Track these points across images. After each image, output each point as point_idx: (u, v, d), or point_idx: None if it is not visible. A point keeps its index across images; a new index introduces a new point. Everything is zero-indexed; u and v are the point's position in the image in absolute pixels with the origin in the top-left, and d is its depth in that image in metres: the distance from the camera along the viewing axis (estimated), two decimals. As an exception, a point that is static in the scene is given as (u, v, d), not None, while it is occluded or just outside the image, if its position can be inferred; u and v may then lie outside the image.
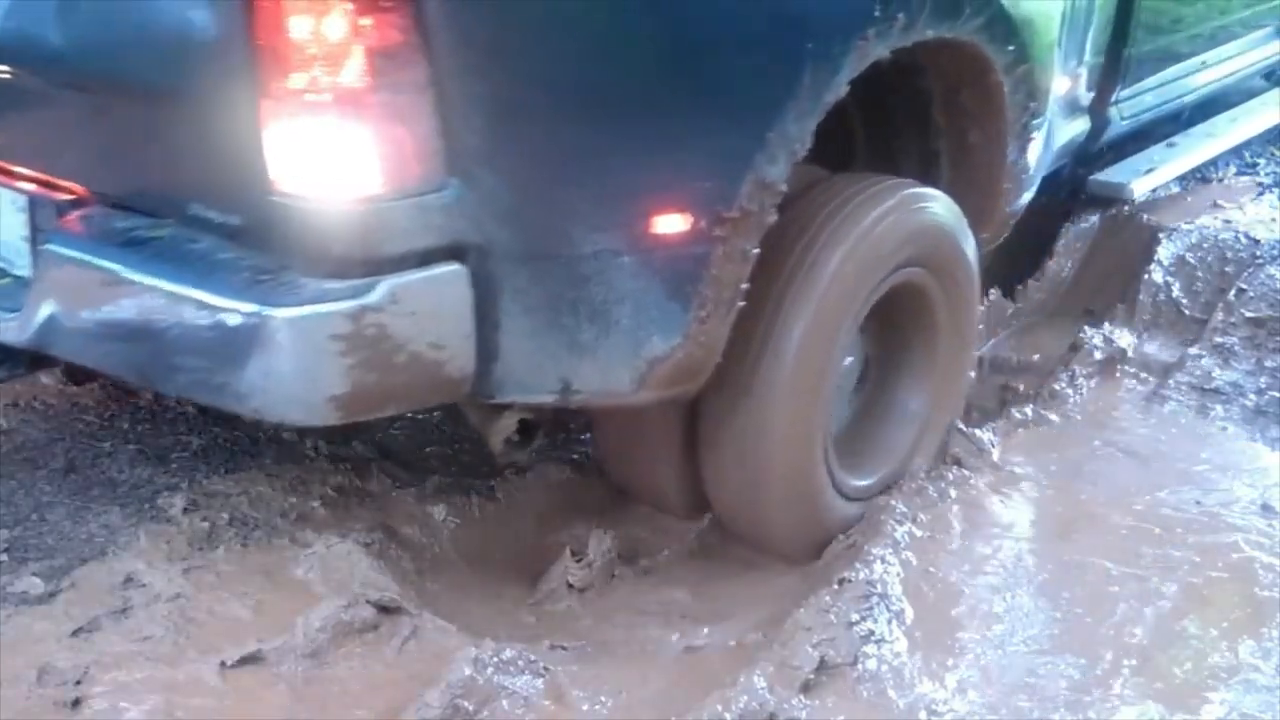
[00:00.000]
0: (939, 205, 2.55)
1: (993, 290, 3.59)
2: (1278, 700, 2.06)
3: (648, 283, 2.03)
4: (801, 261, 2.28)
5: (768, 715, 1.92)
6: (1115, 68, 3.36)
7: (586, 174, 1.96)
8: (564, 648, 2.25)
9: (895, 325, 2.64)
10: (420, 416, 3.05)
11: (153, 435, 2.81)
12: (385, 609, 2.21)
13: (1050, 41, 2.78)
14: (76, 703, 1.98)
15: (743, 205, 2.04)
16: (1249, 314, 3.44)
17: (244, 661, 2.07)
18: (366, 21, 1.71)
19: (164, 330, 1.95)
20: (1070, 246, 3.89)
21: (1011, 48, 2.55)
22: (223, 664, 2.06)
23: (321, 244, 1.84)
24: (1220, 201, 4.14)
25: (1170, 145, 4.04)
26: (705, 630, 2.31)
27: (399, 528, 2.52)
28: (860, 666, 2.05)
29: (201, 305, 1.89)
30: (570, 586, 2.44)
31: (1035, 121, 2.77)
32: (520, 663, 2.07)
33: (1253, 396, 3.13)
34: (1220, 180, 4.44)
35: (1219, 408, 3.08)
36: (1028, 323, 3.70)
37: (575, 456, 2.87)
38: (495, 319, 1.96)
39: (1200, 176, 4.42)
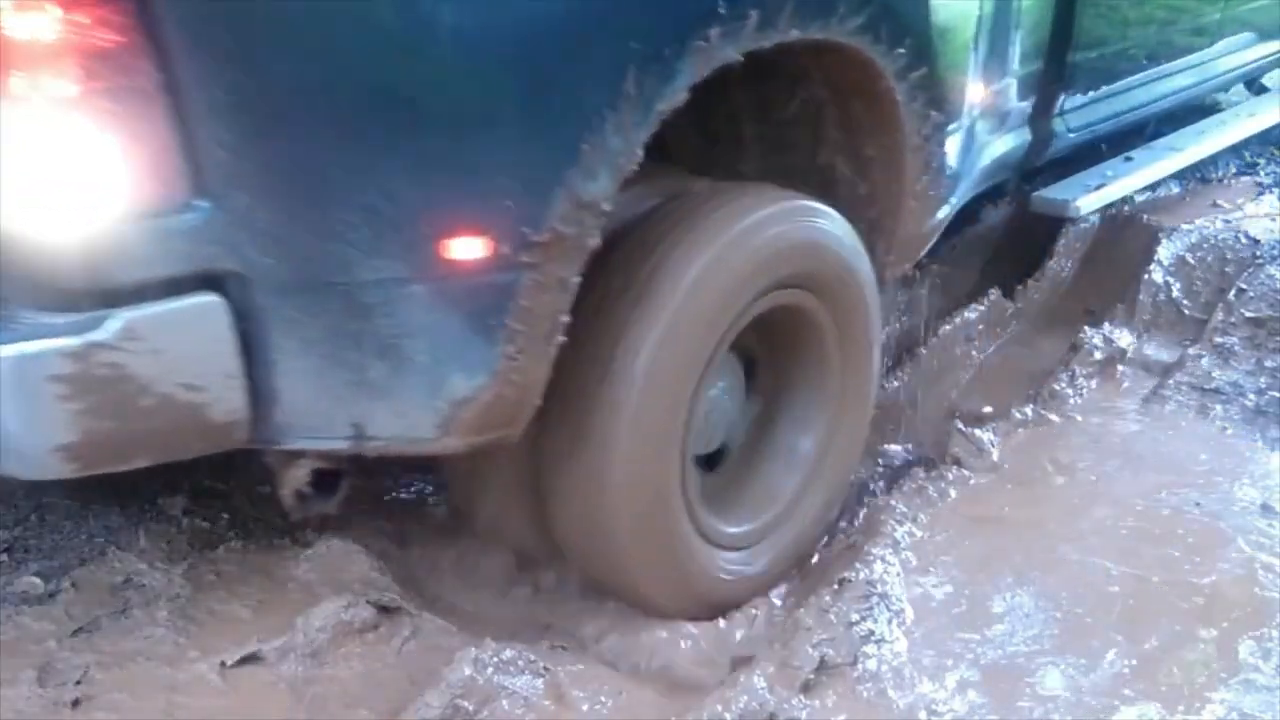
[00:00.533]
0: (824, 220, 2.26)
1: (993, 290, 3.59)
2: (1278, 700, 2.06)
3: (443, 315, 1.78)
4: (648, 282, 2.01)
5: (768, 715, 1.93)
6: (1058, 75, 3.04)
7: (359, 190, 1.68)
8: (564, 648, 2.25)
9: (780, 356, 2.40)
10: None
11: (153, 435, 2.81)
12: (385, 609, 2.21)
13: (961, 44, 2.51)
14: (76, 703, 1.98)
15: (555, 228, 1.77)
16: (1249, 314, 3.44)
17: (244, 661, 2.07)
18: (80, 18, 1.49)
19: None
20: (1070, 246, 3.89)
21: (903, 51, 2.27)
22: (223, 664, 2.06)
23: (41, 273, 1.61)
24: (1220, 201, 4.14)
25: (1127, 159, 3.75)
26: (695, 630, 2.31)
27: (399, 528, 2.52)
28: (860, 666, 2.05)
29: None
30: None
31: (941, 135, 2.49)
32: (520, 663, 2.07)
33: (1253, 396, 3.13)
34: (1220, 180, 4.44)
35: (1219, 408, 3.08)
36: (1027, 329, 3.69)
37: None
38: (268, 356, 1.73)
39: (1200, 176, 4.42)
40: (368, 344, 1.77)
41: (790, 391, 2.43)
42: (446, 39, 1.69)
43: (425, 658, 2.13)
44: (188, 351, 1.68)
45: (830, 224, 2.28)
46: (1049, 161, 3.34)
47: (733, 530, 2.33)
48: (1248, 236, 3.77)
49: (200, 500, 2.54)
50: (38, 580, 2.26)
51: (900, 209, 2.50)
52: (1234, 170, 4.53)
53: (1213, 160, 4.48)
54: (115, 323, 1.61)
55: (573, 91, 1.78)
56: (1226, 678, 2.11)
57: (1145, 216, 3.91)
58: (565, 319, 1.86)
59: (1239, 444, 2.93)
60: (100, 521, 2.46)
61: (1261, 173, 4.52)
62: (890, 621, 2.15)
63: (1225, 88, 4.46)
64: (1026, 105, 2.99)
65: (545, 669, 2.08)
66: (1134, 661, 2.15)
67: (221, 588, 2.27)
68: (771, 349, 2.38)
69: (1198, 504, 2.65)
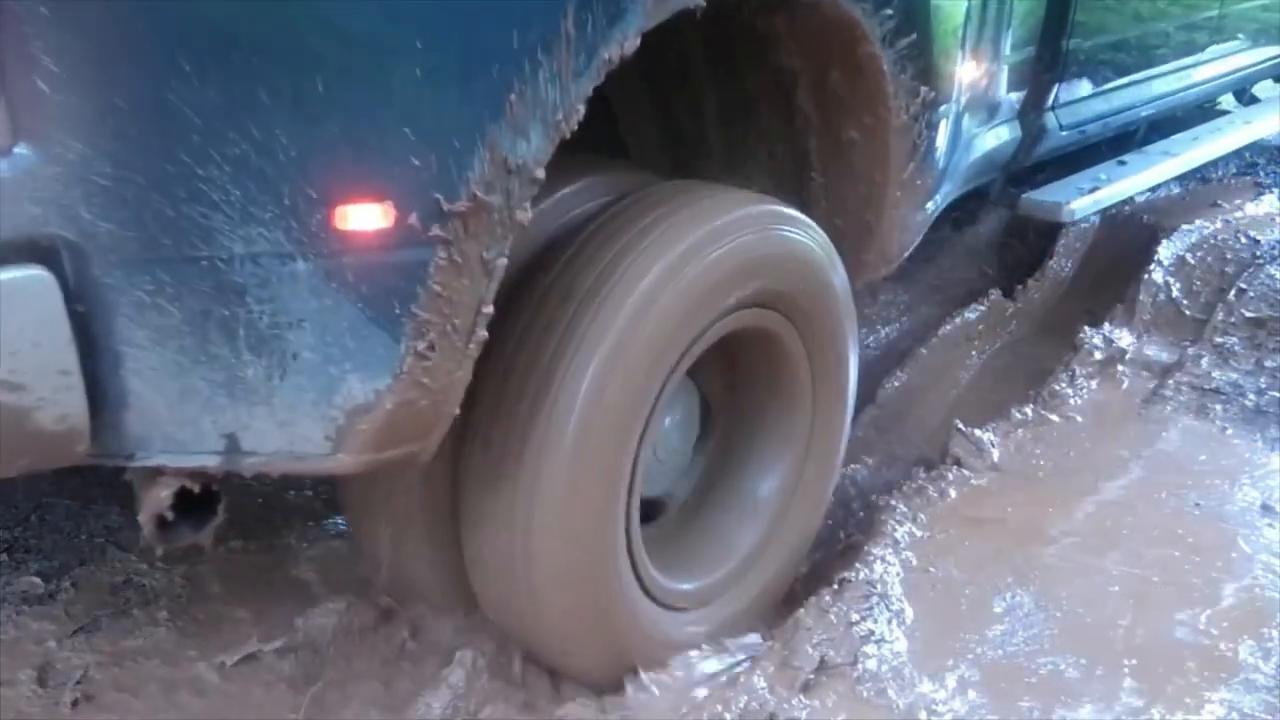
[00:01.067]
0: (797, 228, 1.99)
1: (993, 291, 3.59)
2: (1278, 700, 2.06)
3: (336, 300, 1.42)
4: (596, 289, 1.73)
5: (768, 715, 1.92)
6: (1051, 64, 2.77)
7: (227, 138, 1.32)
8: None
9: (739, 386, 2.13)
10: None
11: (153, 435, 2.81)
12: (385, 609, 2.21)
13: (953, 12, 2.25)
14: (76, 703, 1.98)
15: (475, 194, 1.44)
16: (1249, 314, 3.44)
17: (244, 661, 2.07)
18: None
19: None
20: (1070, 247, 3.89)
21: (890, 12, 1.98)
22: (223, 664, 2.06)
23: None
24: (1220, 201, 4.14)
25: (1121, 163, 3.56)
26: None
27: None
28: (860, 666, 2.05)
29: None
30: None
31: (932, 115, 2.19)
32: (521, 663, 2.07)
33: (1253, 396, 3.13)
34: (1220, 180, 4.44)
35: (1219, 408, 3.08)
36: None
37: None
38: (114, 348, 1.38)
39: (1200, 176, 4.42)
40: (241, 335, 1.42)
41: (751, 427, 2.15)
42: None
43: (425, 658, 2.13)
44: (4, 339, 1.30)
45: (804, 233, 2.00)
46: (1036, 162, 3.16)
47: (679, 587, 2.03)
48: (1248, 236, 3.77)
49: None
50: (38, 580, 2.26)
51: (883, 200, 2.22)
52: (1234, 170, 4.53)
53: (1212, 161, 4.48)
54: None
55: (497, 26, 1.43)
56: (1226, 678, 2.11)
57: (1145, 216, 3.92)
58: (488, 310, 1.53)
59: (1239, 444, 2.93)
60: (100, 521, 2.46)
61: (1261, 173, 4.52)
62: (890, 621, 2.15)
63: (1221, 93, 4.34)
64: (1017, 97, 2.74)
65: (545, 669, 2.08)
66: (1134, 661, 2.14)
67: (221, 588, 2.27)
68: (729, 378, 2.11)
69: (1198, 504, 2.65)
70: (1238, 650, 2.17)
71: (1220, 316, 3.45)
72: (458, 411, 1.59)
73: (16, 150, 1.26)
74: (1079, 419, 3.01)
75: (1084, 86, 3.03)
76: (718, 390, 2.12)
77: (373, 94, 1.37)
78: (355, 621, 2.16)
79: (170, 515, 1.55)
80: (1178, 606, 2.30)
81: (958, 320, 3.43)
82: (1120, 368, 3.27)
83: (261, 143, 1.33)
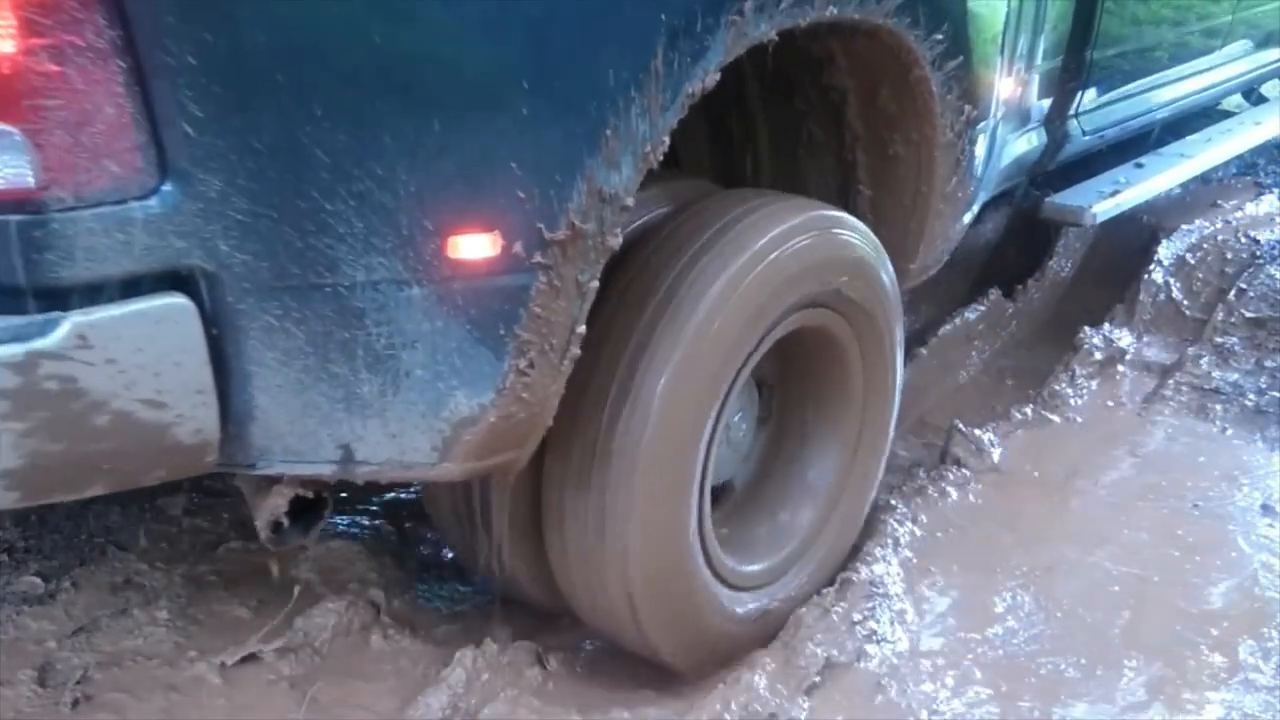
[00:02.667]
0: (851, 232, 2.10)
1: (993, 291, 3.59)
2: (1278, 700, 2.06)
3: (446, 322, 1.56)
4: (670, 297, 1.84)
5: (769, 715, 1.92)
6: (1076, 73, 2.89)
7: (352, 176, 1.46)
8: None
9: (796, 379, 2.23)
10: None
11: (153, 435, 2.80)
12: (385, 609, 2.21)
13: (993, 34, 2.37)
14: (76, 703, 1.98)
15: (573, 223, 1.58)
16: (1249, 314, 3.44)
17: (244, 661, 2.07)
18: None
19: None
20: (1070, 247, 3.89)
21: (940, 37, 2.12)
22: (223, 664, 2.06)
23: None
24: (1220, 201, 4.14)
25: (1138, 166, 3.60)
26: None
27: (399, 527, 2.52)
28: (862, 665, 2.05)
29: None
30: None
31: (973, 131, 2.33)
32: (520, 662, 2.07)
33: (1253, 396, 3.13)
34: (1220, 180, 4.44)
35: (1219, 408, 3.08)
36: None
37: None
38: (243, 368, 1.51)
39: (1200, 177, 4.42)
40: (359, 355, 1.55)
41: (807, 417, 2.27)
42: (455, 4, 1.49)
43: (425, 658, 2.13)
44: (149, 362, 1.43)
45: (857, 235, 2.12)
46: (1058, 166, 3.21)
47: (746, 569, 2.14)
48: (1248, 236, 3.78)
49: (200, 500, 2.54)
50: (38, 580, 2.26)
51: (928, 212, 2.35)
52: (1234, 170, 4.53)
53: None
54: (64, 328, 1.37)
55: (595, 69, 1.57)
56: (1226, 678, 2.11)
57: (1145, 216, 3.91)
58: (581, 330, 1.67)
59: (1239, 444, 2.93)
60: (100, 521, 2.46)
61: (1261, 173, 4.52)
62: (892, 621, 2.16)
63: (1231, 94, 4.38)
64: (1044, 105, 2.87)
65: (546, 668, 2.08)
66: (1134, 661, 2.15)
67: (221, 588, 2.27)
68: (786, 372, 2.22)
69: (1198, 504, 2.65)
70: (1238, 650, 2.17)
71: (1220, 316, 3.46)
72: (550, 423, 1.72)
73: (164, 188, 1.38)
74: (1079, 419, 3.01)
75: (1105, 93, 3.13)
76: (771, 380, 2.24)
77: (483, 134, 1.51)
78: (355, 621, 2.17)
79: (285, 520, 1.72)
80: (1178, 606, 2.30)
81: (958, 320, 3.43)
82: (1120, 368, 3.27)
83: (383, 179, 1.46)
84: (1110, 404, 3.11)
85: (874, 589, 2.19)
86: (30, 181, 1.33)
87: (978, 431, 2.81)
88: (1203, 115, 4.14)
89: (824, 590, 2.20)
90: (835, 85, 2.23)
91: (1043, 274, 3.80)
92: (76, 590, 2.24)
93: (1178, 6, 3.43)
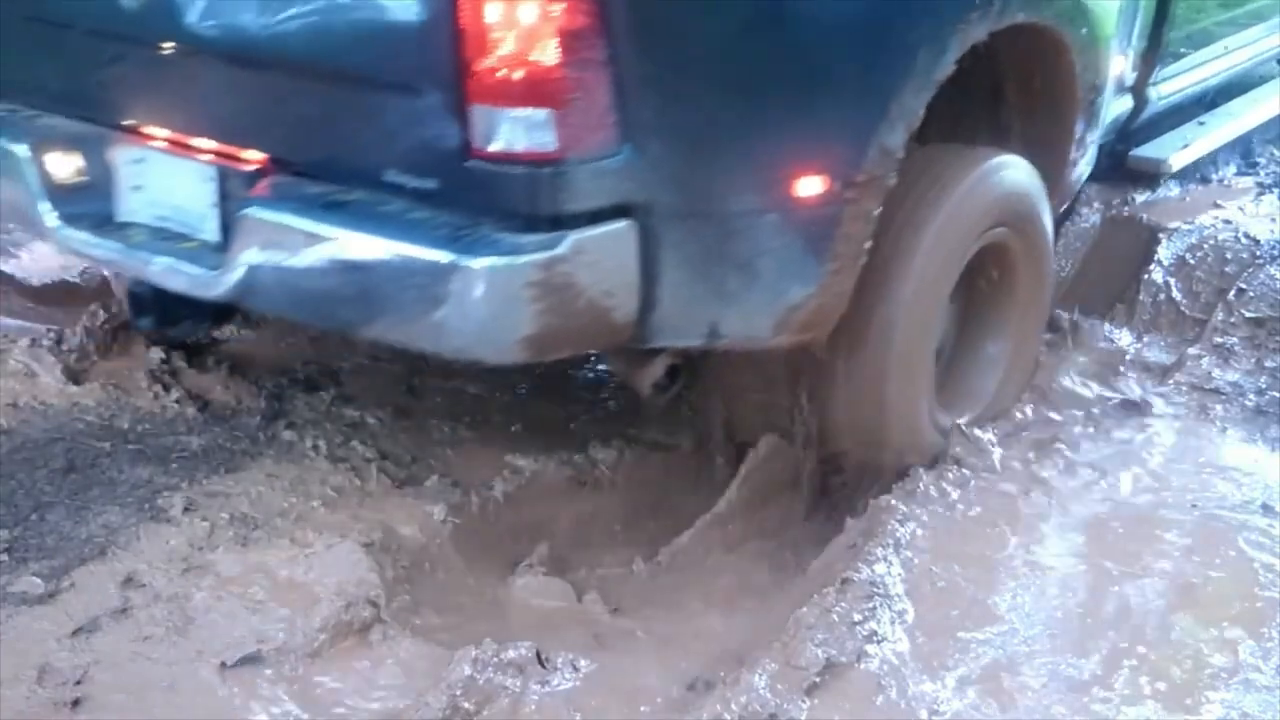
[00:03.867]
0: (1021, 171, 2.82)
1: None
2: (1278, 700, 2.06)
3: (788, 238, 2.30)
4: (910, 221, 2.54)
5: (769, 715, 1.92)
6: (1155, 49, 3.52)
7: (738, 142, 2.22)
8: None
9: (981, 280, 2.88)
10: (420, 419, 3.06)
11: (153, 435, 2.81)
12: (385, 609, 2.21)
13: (1112, 24, 3.06)
14: (76, 703, 1.98)
15: (869, 170, 2.32)
16: (1249, 314, 3.44)
17: (244, 661, 2.07)
18: (556, 8, 1.97)
19: (368, 280, 2.19)
20: (1070, 246, 3.89)
21: (1084, 30, 2.83)
22: (223, 664, 2.06)
23: (515, 203, 2.09)
24: (1220, 201, 4.14)
25: (1200, 124, 4.19)
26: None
27: (399, 528, 2.52)
28: (862, 665, 2.05)
29: (407, 256, 2.13)
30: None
31: (1099, 96, 3.04)
32: (520, 662, 2.07)
33: (1253, 396, 3.13)
34: (1220, 180, 4.44)
35: (1219, 408, 3.08)
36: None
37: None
38: (655, 271, 2.19)
39: (1200, 176, 4.43)
40: (730, 262, 2.27)
41: (987, 307, 2.96)
42: (808, 30, 2.26)
43: (425, 658, 2.13)
44: (610, 266, 2.14)
45: (1025, 173, 2.83)
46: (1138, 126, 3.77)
47: (954, 422, 2.82)
48: (1248, 236, 3.77)
49: (200, 500, 2.54)
50: (38, 580, 2.26)
51: (1065, 161, 3.05)
52: (1234, 170, 4.53)
53: (1213, 160, 4.49)
54: (569, 241, 2.08)
55: (886, 66, 2.34)
56: (1226, 678, 2.11)
57: (1145, 216, 3.91)
58: (869, 245, 2.38)
59: (1239, 444, 2.93)
60: (100, 521, 2.45)
61: (1261, 173, 4.52)
62: (892, 621, 2.15)
63: (1271, 59, 4.76)
64: (1133, 76, 3.48)
65: (546, 668, 2.08)
66: (1134, 661, 2.14)
67: (221, 588, 2.27)
68: (973, 274, 2.83)
69: (1197, 504, 2.64)
70: (1238, 650, 2.17)
71: (1220, 316, 3.45)
72: (845, 309, 2.43)
73: (623, 150, 2.09)
74: (1079, 419, 3.01)
75: (1175, 65, 3.73)
76: (961, 282, 2.84)
77: (822, 112, 2.32)
78: (355, 621, 2.17)
79: (663, 381, 2.57)
80: (1178, 606, 2.29)
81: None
82: (1120, 368, 3.27)
83: (759, 143, 2.24)
84: (1110, 404, 3.11)
85: (874, 589, 2.19)
86: (553, 146, 2.03)
87: (978, 431, 2.81)
88: (1242, 82, 4.49)
89: (824, 590, 2.20)
90: (999, 66, 2.83)
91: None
92: (76, 590, 2.24)
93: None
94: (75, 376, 2.99)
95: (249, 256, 2.31)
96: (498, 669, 2.03)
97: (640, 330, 2.23)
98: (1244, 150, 4.65)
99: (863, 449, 2.68)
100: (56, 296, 3.45)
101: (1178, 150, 3.90)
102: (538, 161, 2.04)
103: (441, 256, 2.09)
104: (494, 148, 2.04)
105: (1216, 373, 3.23)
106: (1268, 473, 2.79)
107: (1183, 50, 3.74)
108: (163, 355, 3.09)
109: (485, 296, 2.08)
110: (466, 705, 1.97)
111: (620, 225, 2.13)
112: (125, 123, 2.57)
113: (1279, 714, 2.04)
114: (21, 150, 2.60)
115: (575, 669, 2.14)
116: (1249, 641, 2.20)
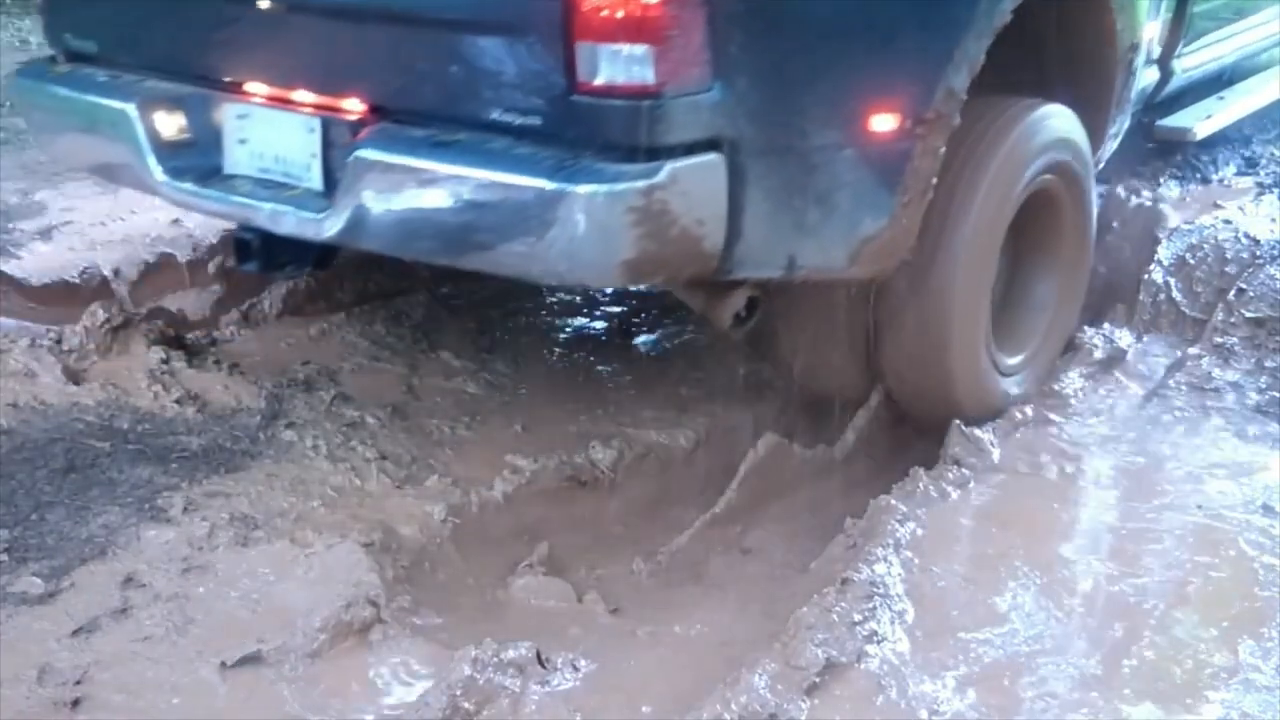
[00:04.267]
0: (1067, 121, 3.02)
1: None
2: (1278, 700, 2.06)
3: (864, 172, 2.47)
4: (970, 161, 2.73)
5: (769, 715, 1.92)
6: (1180, 23, 3.69)
7: (819, 81, 2.38)
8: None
9: (1030, 225, 3.02)
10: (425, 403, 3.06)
11: (152, 435, 2.81)
12: (385, 609, 2.21)
13: None
14: (76, 703, 1.98)
15: (937, 109, 2.51)
16: (1249, 314, 3.44)
17: (244, 661, 2.07)
18: None
19: (477, 212, 2.34)
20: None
21: None
22: (223, 664, 2.06)
23: (616, 134, 2.22)
24: (1220, 201, 4.13)
25: (1220, 98, 4.40)
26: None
27: (399, 528, 2.52)
28: (862, 665, 2.05)
29: (514, 187, 2.27)
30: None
31: (1136, 60, 3.28)
32: (520, 662, 2.07)
33: (1253, 396, 3.13)
34: (1220, 180, 4.44)
35: (1219, 408, 3.08)
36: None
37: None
38: (741, 203, 2.33)
39: (1200, 176, 4.43)
40: (810, 195, 2.42)
41: (1036, 254, 3.14)
42: None
43: (425, 658, 2.13)
44: (702, 196, 2.28)
45: (1070, 123, 3.04)
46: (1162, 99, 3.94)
47: (1008, 361, 3.05)
48: (1248, 236, 3.77)
49: (200, 500, 2.54)
50: (38, 580, 2.26)
51: (1107, 114, 3.28)
52: (1234, 170, 4.53)
53: (1213, 160, 4.48)
54: (667, 170, 2.21)
55: (952, 15, 2.57)
56: (1226, 678, 2.11)
57: (1145, 216, 3.91)
58: (934, 180, 2.56)
59: (1239, 444, 2.93)
60: (100, 521, 2.45)
61: (1261, 173, 4.52)
62: (892, 621, 2.15)
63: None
64: (1161, 49, 3.65)
65: (545, 668, 2.08)
66: (1134, 661, 2.14)
67: (221, 588, 2.26)
68: (1020, 220, 2.96)
69: (1199, 504, 2.64)
70: (1238, 650, 2.17)
71: (1220, 316, 3.45)
72: (913, 242, 2.60)
73: (715, 86, 2.24)
74: (1079, 419, 3.01)
75: (1197, 41, 3.94)
76: (1012, 229, 2.99)
77: (896, 55, 2.53)
78: (355, 621, 2.16)
79: (743, 313, 2.69)
80: (1178, 606, 2.29)
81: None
82: (1120, 368, 3.27)
83: (838, 83, 2.43)
84: (1110, 404, 3.11)
85: (874, 589, 2.19)
86: (652, 81, 2.17)
87: (978, 431, 2.81)
88: (1256, 63, 4.72)
89: (824, 590, 2.20)
90: (1042, 27, 2.97)
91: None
92: (76, 590, 2.24)
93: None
94: (75, 376, 3.00)
95: (356, 198, 2.45)
96: (498, 669, 2.04)
97: (725, 261, 2.36)
98: (1244, 150, 4.67)
99: (927, 382, 2.85)
100: (56, 296, 3.44)
101: (1201, 120, 4.13)
102: (638, 94, 2.18)
103: (549, 185, 2.22)
104: (598, 82, 2.18)
105: (1217, 373, 3.23)
106: (1268, 473, 2.79)
107: (1206, 26, 3.93)
108: (163, 355, 3.09)
109: (589, 221, 2.21)
110: (466, 705, 1.97)
111: (711, 157, 2.27)
112: (229, 80, 2.73)
113: (1279, 714, 2.03)
114: (131, 109, 2.78)
115: (575, 669, 2.14)
116: (1249, 641, 2.19)
